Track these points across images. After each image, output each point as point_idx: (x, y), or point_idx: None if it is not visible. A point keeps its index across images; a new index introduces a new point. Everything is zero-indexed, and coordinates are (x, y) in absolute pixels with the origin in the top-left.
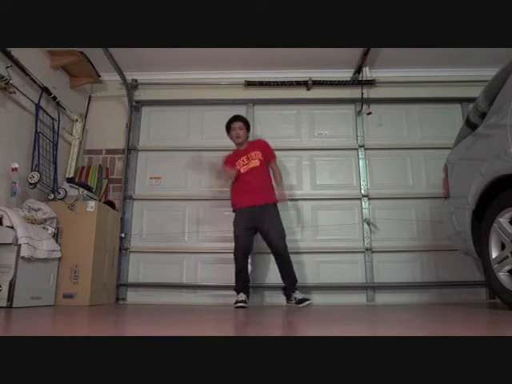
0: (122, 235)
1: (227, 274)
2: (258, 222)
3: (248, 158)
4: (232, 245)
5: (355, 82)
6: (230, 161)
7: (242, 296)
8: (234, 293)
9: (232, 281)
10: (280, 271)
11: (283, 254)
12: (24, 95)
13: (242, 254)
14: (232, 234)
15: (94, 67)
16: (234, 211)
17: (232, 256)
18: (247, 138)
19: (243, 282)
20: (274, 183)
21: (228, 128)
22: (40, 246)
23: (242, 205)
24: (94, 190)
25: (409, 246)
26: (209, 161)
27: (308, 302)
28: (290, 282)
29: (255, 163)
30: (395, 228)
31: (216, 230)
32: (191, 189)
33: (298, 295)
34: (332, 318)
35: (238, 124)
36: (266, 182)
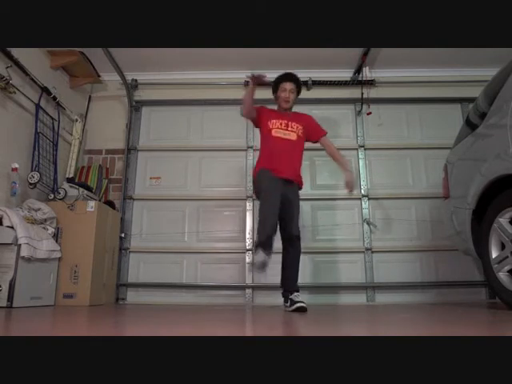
0: (122, 235)
1: (227, 273)
2: (285, 202)
3: (287, 126)
4: (232, 245)
5: (355, 82)
6: (267, 112)
7: (261, 255)
8: (234, 293)
9: (231, 281)
10: (290, 264)
11: (296, 242)
12: (24, 95)
13: (271, 212)
14: (232, 234)
15: (94, 67)
16: (257, 173)
17: (232, 256)
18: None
19: (267, 233)
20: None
21: (276, 87)
22: (40, 246)
23: (272, 168)
24: (94, 190)
25: (409, 246)
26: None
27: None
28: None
29: (292, 136)
30: (395, 228)
31: (216, 230)
32: (191, 189)
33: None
34: (332, 318)
35: (289, 85)
36: (297, 160)
